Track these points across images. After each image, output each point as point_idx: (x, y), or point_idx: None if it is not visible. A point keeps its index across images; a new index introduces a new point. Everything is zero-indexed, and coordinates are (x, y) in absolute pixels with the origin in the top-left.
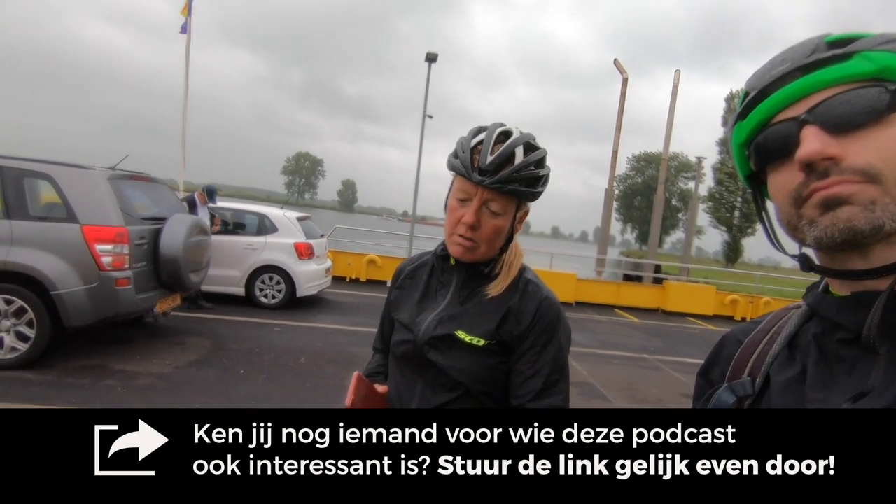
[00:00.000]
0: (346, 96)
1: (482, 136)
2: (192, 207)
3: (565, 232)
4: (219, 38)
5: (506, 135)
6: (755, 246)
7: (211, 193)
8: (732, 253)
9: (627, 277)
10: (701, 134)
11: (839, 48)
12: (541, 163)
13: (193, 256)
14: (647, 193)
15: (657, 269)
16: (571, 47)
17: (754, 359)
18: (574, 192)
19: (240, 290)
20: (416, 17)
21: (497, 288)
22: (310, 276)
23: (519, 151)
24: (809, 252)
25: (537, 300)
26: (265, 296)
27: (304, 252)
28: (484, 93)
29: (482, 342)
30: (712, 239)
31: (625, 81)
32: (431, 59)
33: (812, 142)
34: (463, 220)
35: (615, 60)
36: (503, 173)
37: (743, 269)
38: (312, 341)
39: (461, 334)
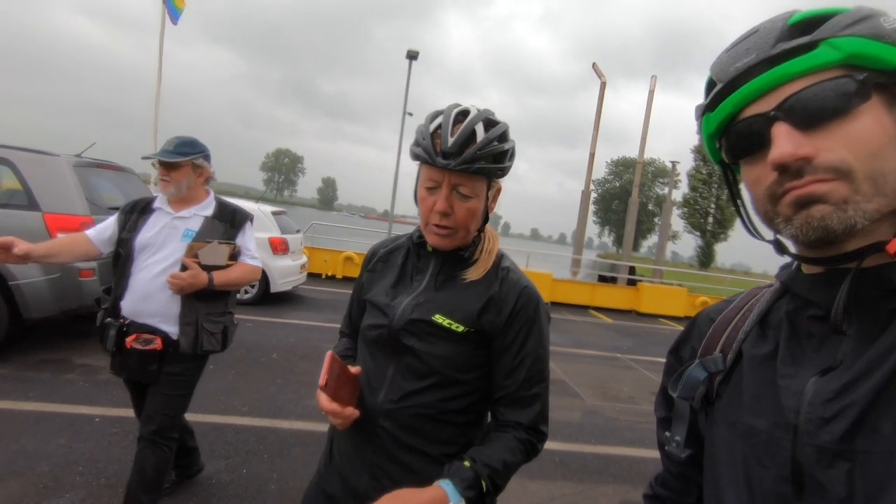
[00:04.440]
0: (324, 96)
1: (440, 119)
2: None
3: (544, 234)
4: (199, 35)
5: (463, 114)
6: (727, 251)
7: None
8: (705, 258)
9: (602, 278)
10: (662, 142)
11: (804, 32)
12: (503, 137)
13: None
14: (624, 197)
15: (631, 270)
16: (539, 58)
17: (726, 335)
18: (550, 195)
19: None
20: (392, 24)
21: (476, 273)
22: (284, 272)
23: (479, 129)
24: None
25: (517, 290)
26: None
27: (279, 247)
28: (458, 97)
29: (462, 328)
30: (687, 244)
31: (603, 85)
32: (412, 56)
33: (784, 143)
34: (435, 209)
35: (594, 64)
36: (467, 153)
37: (716, 273)
38: (285, 337)
39: (439, 318)
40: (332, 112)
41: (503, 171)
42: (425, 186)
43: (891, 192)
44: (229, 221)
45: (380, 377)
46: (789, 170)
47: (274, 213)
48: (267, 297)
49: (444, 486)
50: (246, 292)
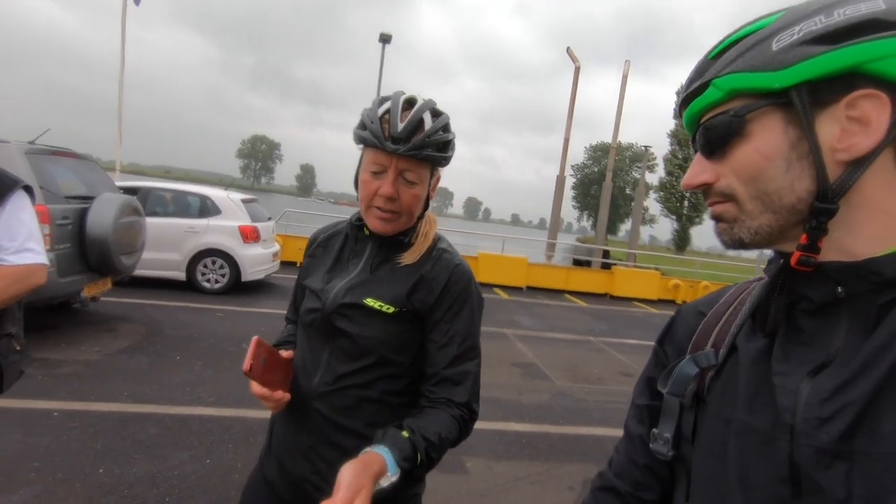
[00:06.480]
0: (301, 83)
1: (388, 104)
2: None
3: (524, 219)
4: (166, 19)
5: (410, 102)
6: (704, 234)
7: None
8: (681, 241)
9: (577, 262)
10: (639, 127)
11: (714, 62)
12: (447, 127)
13: (125, 238)
14: (602, 182)
15: (605, 254)
16: (513, 46)
17: (718, 330)
18: (529, 181)
19: (180, 275)
20: (366, 11)
21: (411, 257)
22: (255, 261)
23: (427, 117)
24: None
25: (449, 269)
26: (207, 280)
27: (250, 235)
28: (436, 84)
29: (392, 309)
30: (665, 227)
31: (577, 70)
32: (385, 39)
33: (689, 172)
34: (380, 193)
35: (568, 49)
36: (416, 140)
37: (691, 257)
38: (256, 326)
39: (370, 301)
40: (309, 99)
41: (446, 161)
42: (370, 170)
43: (781, 207)
44: None
45: (315, 360)
46: (704, 191)
47: (244, 201)
48: (238, 286)
49: (385, 455)
50: (217, 282)
